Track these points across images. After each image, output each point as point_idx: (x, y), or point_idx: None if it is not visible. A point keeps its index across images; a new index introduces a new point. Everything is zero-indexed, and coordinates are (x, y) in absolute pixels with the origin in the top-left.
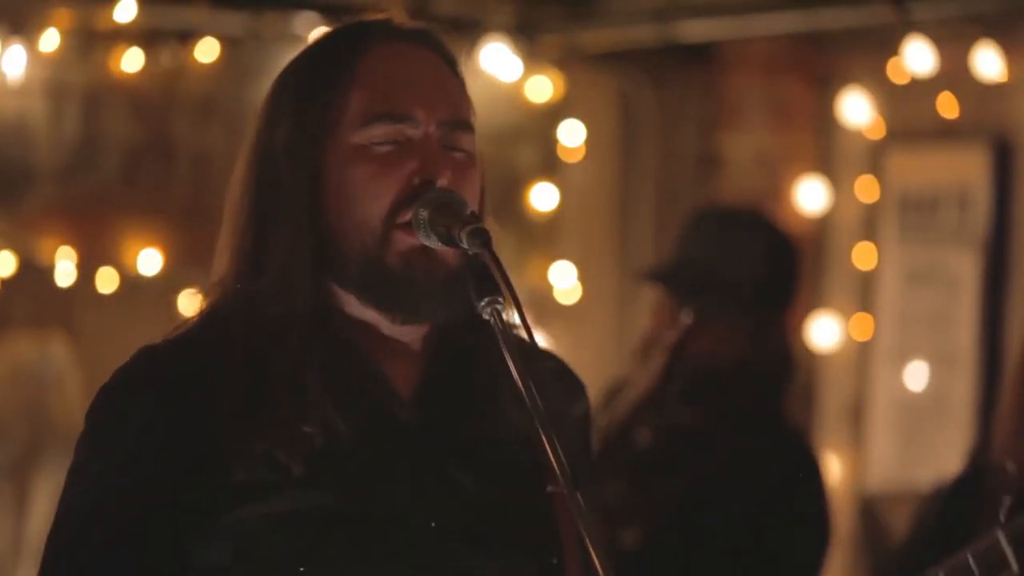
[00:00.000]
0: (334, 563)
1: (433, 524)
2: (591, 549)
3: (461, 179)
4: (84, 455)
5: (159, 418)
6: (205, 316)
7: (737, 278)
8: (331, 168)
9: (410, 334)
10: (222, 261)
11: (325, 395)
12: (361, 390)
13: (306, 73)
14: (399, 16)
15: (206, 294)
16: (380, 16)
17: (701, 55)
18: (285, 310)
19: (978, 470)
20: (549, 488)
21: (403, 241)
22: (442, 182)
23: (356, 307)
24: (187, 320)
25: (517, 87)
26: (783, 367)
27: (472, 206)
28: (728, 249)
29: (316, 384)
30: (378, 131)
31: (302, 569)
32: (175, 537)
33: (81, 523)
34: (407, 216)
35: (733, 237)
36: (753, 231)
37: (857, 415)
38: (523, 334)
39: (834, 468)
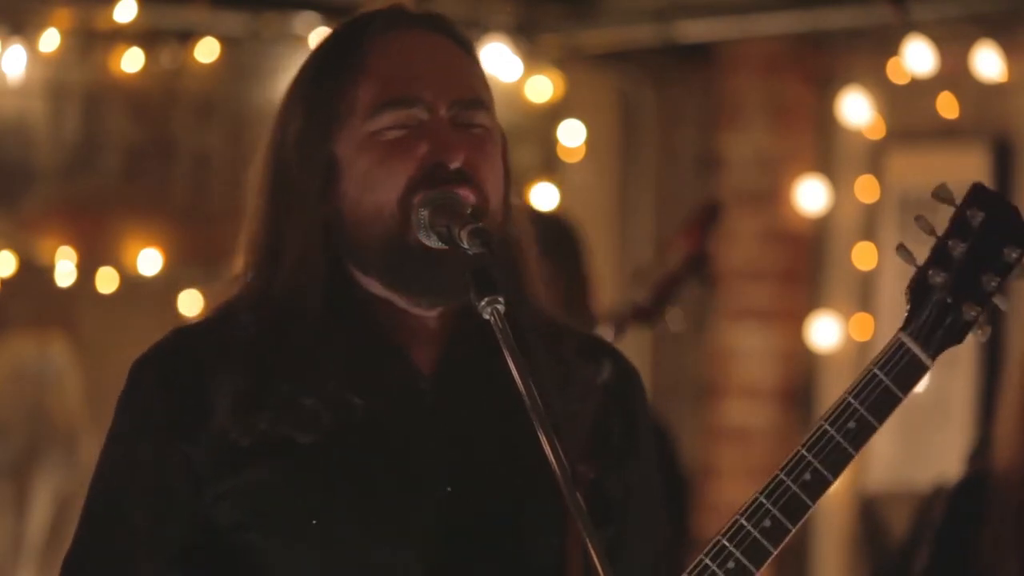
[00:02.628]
0: (346, 521)
1: (449, 489)
2: (591, 548)
3: (478, 156)
4: (110, 434)
5: (164, 394)
6: (224, 305)
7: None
8: (344, 159)
9: (432, 313)
10: (243, 254)
11: (339, 371)
12: (380, 364)
13: (317, 66)
14: (407, 4)
15: (227, 286)
16: (388, 5)
17: (701, 55)
18: (300, 300)
19: (979, 473)
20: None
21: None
22: (455, 164)
23: (379, 288)
24: (208, 310)
25: (517, 87)
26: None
27: (493, 182)
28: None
29: (330, 360)
30: (388, 118)
31: (314, 521)
32: (186, 503)
33: (104, 497)
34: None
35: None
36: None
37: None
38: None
39: None
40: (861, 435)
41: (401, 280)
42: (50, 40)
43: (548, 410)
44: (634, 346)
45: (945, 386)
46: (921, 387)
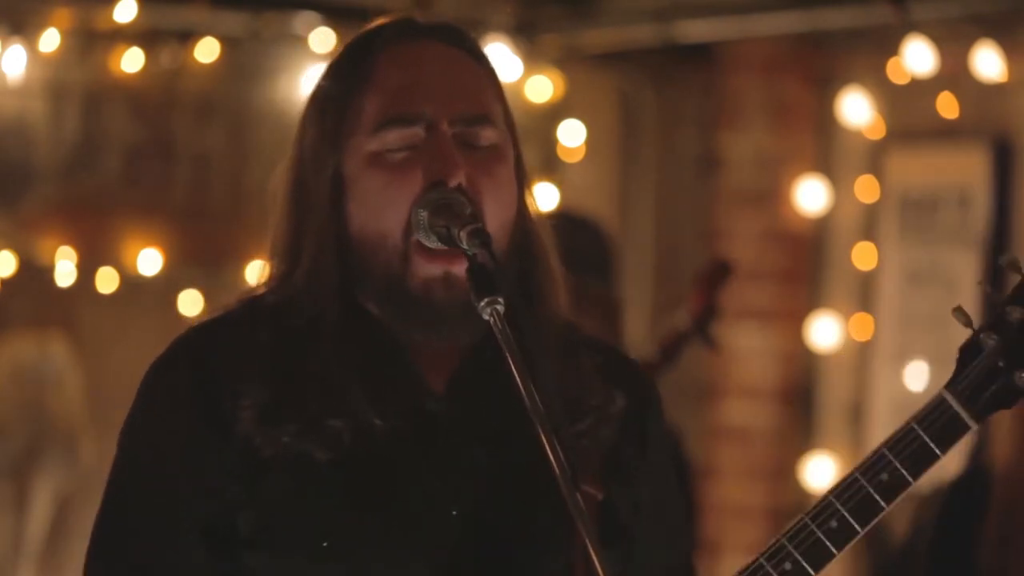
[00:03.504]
0: (357, 542)
1: (455, 512)
2: (590, 549)
3: (483, 175)
4: (128, 429)
5: (193, 393)
6: (248, 303)
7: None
8: (351, 176)
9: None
10: (267, 262)
11: (358, 389)
12: (394, 382)
13: (330, 77)
14: (420, 14)
15: (255, 287)
16: (400, 15)
17: (701, 55)
18: (315, 314)
19: (977, 471)
20: (583, 487)
21: (424, 267)
22: (455, 181)
23: (380, 314)
24: (233, 303)
25: (517, 87)
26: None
27: (498, 202)
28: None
29: (348, 379)
30: (391, 136)
31: (325, 544)
32: (207, 506)
33: (123, 496)
34: None
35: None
36: (590, 227)
37: (857, 415)
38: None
39: (834, 468)
40: (893, 489)
41: (398, 318)
42: (50, 40)
43: (550, 413)
44: (635, 345)
45: None
46: (922, 386)
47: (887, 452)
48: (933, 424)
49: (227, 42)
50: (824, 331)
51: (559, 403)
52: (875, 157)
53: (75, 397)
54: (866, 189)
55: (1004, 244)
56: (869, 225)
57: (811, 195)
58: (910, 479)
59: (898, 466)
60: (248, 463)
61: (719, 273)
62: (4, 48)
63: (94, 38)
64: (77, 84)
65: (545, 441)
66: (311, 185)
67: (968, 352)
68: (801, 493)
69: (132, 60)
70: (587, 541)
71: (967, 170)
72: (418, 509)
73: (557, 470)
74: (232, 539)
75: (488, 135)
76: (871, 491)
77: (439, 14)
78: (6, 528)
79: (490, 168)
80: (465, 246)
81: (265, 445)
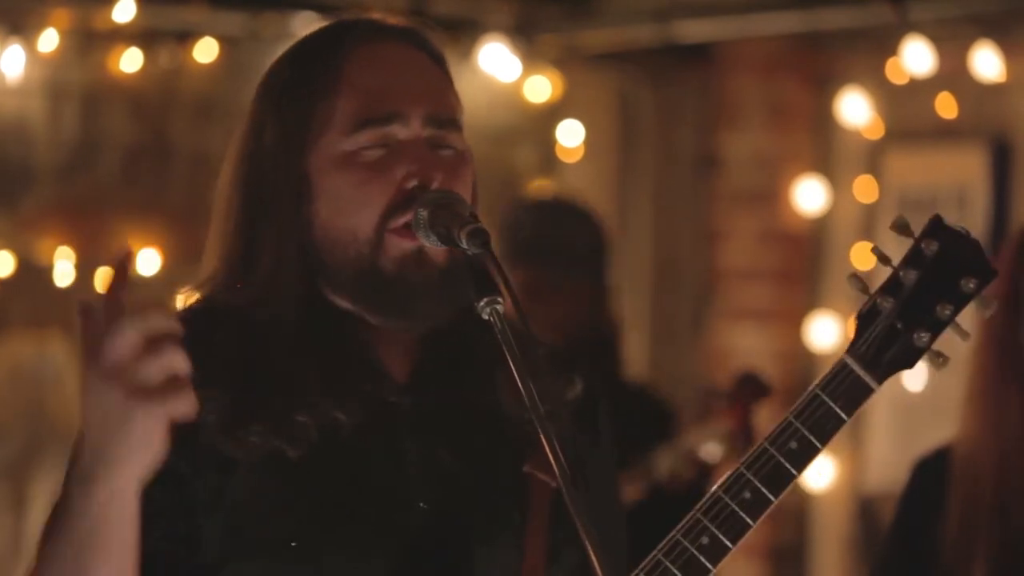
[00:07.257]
0: (323, 539)
1: (422, 504)
2: (589, 547)
3: (453, 178)
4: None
5: None
6: (196, 307)
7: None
8: (319, 175)
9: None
10: (211, 260)
11: (320, 385)
12: (355, 376)
13: (291, 76)
14: (382, 13)
15: (195, 290)
16: (363, 14)
17: (701, 55)
18: (273, 315)
19: (943, 450)
20: (526, 468)
21: (396, 246)
22: (436, 184)
23: (350, 305)
24: (179, 310)
25: (516, 87)
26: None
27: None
28: (567, 229)
29: (310, 375)
30: (366, 136)
31: (293, 544)
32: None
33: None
34: (400, 221)
35: (568, 220)
36: (581, 215)
37: (857, 415)
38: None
39: (833, 468)
40: (803, 456)
41: (372, 305)
42: (49, 40)
43: (549, 413)
44: (634, 346)
45: (945, 386)
46: (921, 386)
47: (794, 420)
48: (837, 389)
49: (226, 42)
50: (823, 331)
51: (559, 401)
52: (874, 157)
53: (75, 397)
54: (865, 189)
55: (1003, 244)
56: (868, 225)
57: (810, 195)
58: (819, 445)
59: (806, 433)
60: (214, 467)
61: (754, 389)
62: (3, 48)
63: (93, 38)
64: (76, 84)
65: (545, 442)
66: (270, 184)
67: (866, 317)
68: (801, 493)
69: (131, 60)
70: (587, 543)
71: (966, 170)
72: (385, 502)
73: (558, 470)
74: (197, 546)
75: (456, 139)
76: (781, 460)
77: (438, 14)
78: (6, 528)
79: (458, 172)
80: (465, 246)
81: (232, 446)
